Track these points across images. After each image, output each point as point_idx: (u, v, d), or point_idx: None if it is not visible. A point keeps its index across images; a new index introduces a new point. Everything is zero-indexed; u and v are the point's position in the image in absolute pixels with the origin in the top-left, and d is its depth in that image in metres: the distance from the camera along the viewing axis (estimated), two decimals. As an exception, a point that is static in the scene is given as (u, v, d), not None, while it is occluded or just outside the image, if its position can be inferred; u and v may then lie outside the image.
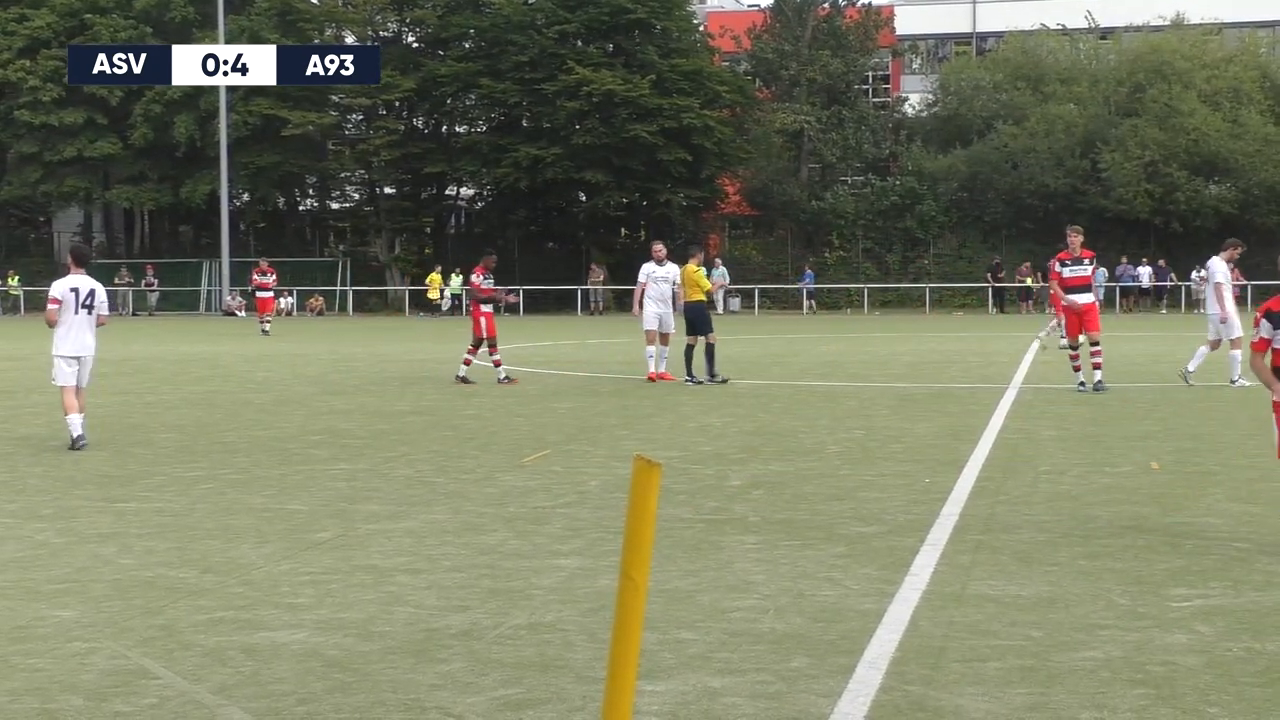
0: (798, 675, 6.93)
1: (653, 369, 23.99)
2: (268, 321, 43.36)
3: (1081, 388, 21.33)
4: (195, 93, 63.96)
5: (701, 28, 69.30)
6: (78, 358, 16.08)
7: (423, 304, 63.70)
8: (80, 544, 10.28)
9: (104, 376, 21.29)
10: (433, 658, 7.28)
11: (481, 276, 24.44)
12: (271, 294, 45.14)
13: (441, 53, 66.96)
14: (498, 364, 24.02)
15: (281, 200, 72.92)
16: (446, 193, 71.23)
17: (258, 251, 69.23)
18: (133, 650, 7.45)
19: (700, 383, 23.39)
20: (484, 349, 24.06)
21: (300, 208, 75.49)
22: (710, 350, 23.78)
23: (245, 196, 70.89)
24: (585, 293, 62.89)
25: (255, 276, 45.07)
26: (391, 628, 7.86)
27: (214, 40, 62.13)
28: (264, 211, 72.01)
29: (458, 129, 69.68)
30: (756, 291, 63.45)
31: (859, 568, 9.30)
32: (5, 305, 66.29)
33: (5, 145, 67.25)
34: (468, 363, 24.13)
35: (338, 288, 66.78)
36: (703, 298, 24.06)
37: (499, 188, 66.31)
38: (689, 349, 23.98)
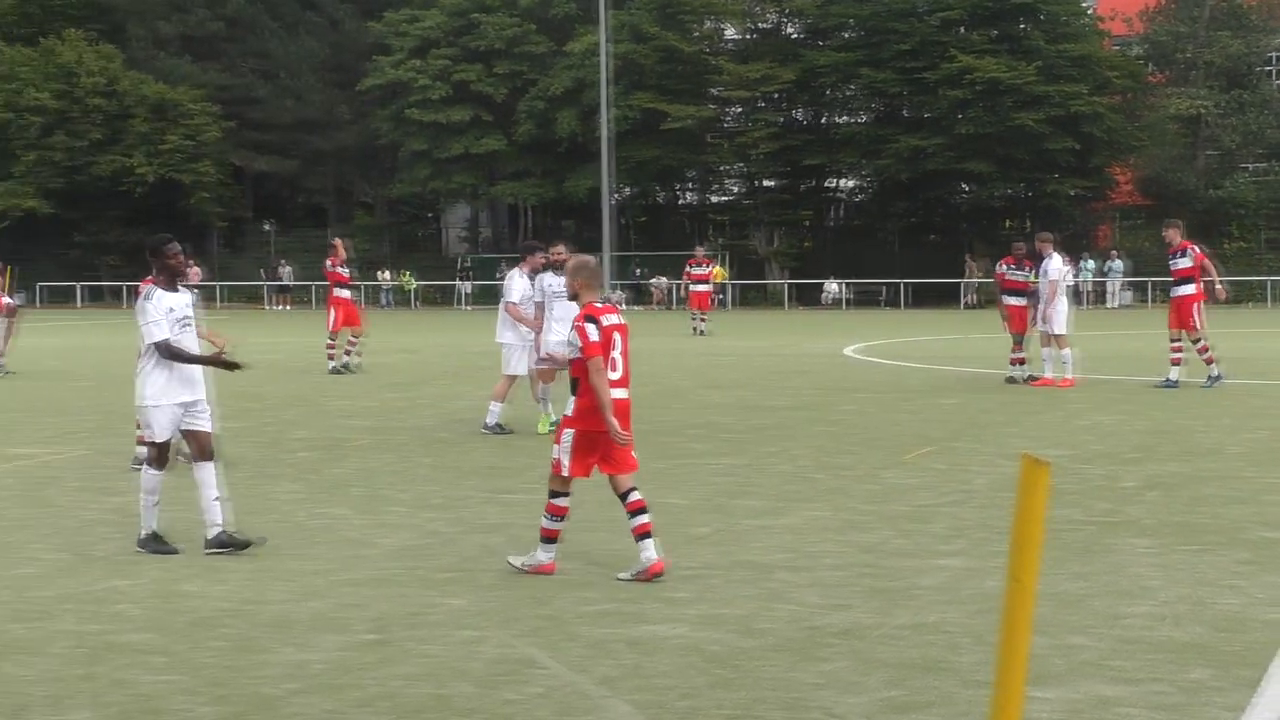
0: (1198, 687, 6.63)
1: (1049, 374, 21.39)
2: (703, 319, 39.37)
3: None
4: (577, 89, 65.58)
5: (1091, 11, 67.45)
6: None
7: (804, 299, 63.60)
8: (469, 534, 10.58)
9: (481, 369, 21.91)
10: (814, 656, 7.20)
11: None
12: (707, 287, 40.73)
13: (821, 43, 67.01)
14: (1208, 360, 21.26)
15: (661, 194, 74.16)
16: (826, 185, 71.21)
17: (638, 245, 70.75)
18: (520, 639, 7.60)
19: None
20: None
21: (680, 201, 76.59)
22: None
23: (626, 190, 72.32)
24: (964, 286, 61.76)
25: (690, 268, 41.22)
26: (772, 625, 7.82)
27: (594, 35, 63.64)
28: (644, 205, 73.37)
29: (837, 120, 69.55)
30: (1150, 284, 61.19)
31: (1265, 575, 8.84)
32: (398, 299, 69.29)
33: (397, 143, 70.24)
34: (1175, 361, 21.24)
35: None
36: None
37: (879, 179, 65.91)
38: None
